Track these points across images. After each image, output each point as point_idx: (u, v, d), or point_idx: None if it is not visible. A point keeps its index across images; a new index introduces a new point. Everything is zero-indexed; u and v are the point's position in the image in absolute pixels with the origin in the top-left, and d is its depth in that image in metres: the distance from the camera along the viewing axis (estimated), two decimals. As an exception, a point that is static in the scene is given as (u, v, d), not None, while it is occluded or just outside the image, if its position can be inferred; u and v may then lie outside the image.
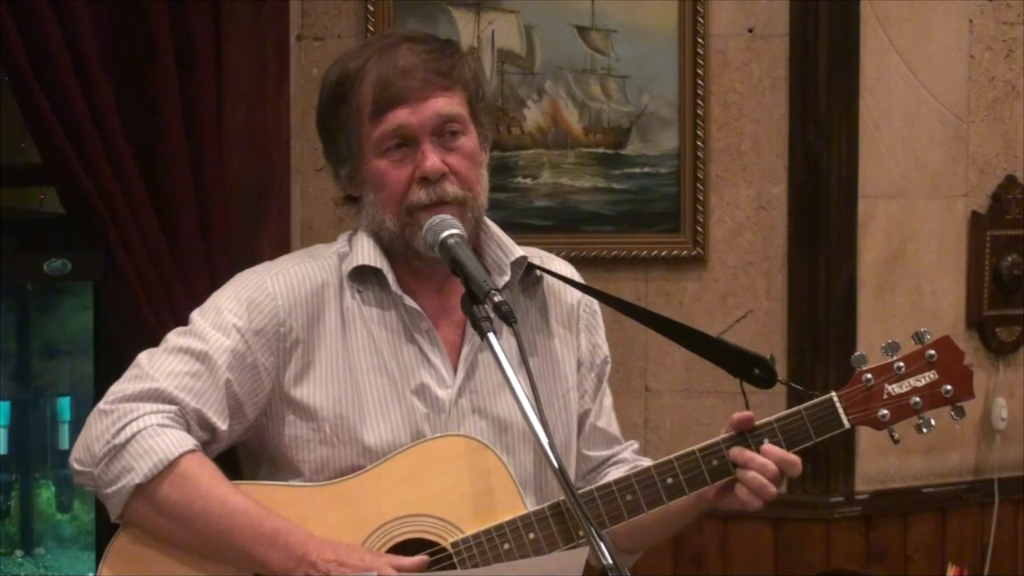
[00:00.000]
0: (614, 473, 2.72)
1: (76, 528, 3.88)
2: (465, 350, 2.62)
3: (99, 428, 2.49)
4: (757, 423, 2.57)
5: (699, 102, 4.11)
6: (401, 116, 2.55)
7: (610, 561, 2.23)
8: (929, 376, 2.60)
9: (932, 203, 4.23)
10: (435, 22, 4.10)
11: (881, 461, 4.19)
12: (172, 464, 2.47)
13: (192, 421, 2.51)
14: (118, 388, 2.53)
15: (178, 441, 2.48)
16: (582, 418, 2.76)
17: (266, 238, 4.00)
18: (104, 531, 2.90)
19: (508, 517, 2.52)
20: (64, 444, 3.78)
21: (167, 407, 2.50)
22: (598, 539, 2.24)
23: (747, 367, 2.65)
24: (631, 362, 4.16)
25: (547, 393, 2.63)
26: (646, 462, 2.67)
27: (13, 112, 3.72)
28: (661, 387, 4.18)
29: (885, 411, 2.59)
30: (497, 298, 2.37)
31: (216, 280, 2.67)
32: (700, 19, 4.09)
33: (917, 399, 2.59)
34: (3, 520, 3.86)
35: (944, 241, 4.25)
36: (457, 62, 2.60)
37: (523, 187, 4.16)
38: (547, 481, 2.63)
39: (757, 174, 4.15)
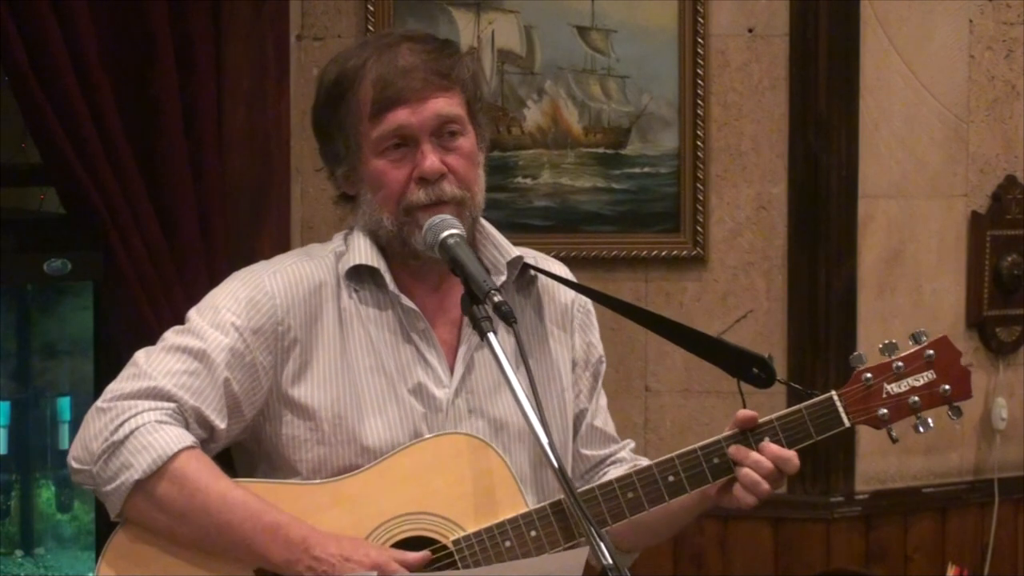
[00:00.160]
0: (613, 472, 2.71)
1: (76, 528, 3.88)
2: (462, 350, 2.62)
3: (97, 426, 2.49)
4: (759, 421, 2.57)
5: (699, 102, 4.11)
6: (401, 116, 2.55)
7: (610, 561, 2.23)
8: (927, 376, 2.60)
9: (932, 203, 4.23)
10: (435, 22, 4.10)
11: (881, 461, 4.19)
12: (171, 460, 2.46)
13: (190, 419, 2.51)
14: (116, 386, 2.52)
15: (176, 437, 2.48)
16: (578, 418, 2.76)
17: (266, 238, 4.00)
18: (104, 531, 2.90)
19: (509, 515, 2.52)
20: (64, 444, 3.78)
21: (165, 405, 2.50)
22: (598, 539, 2.25)
23: (745, 367, 2.66)
24: (631, 362, 4.16)
25: (543, 393, 2.63)
26: (644, 461, 2.67)
27: (13, 112, 3.72)
28: (661, 387, 4.18)
29: (884, 410, 2.59)
30: (497, 298, 2.37)
31: (216, 280, 2.67)
32: (700, 19, 4.09)
33: (916, 398, 2.59)
34: (3, 520, 3.86)
35: (944, 241, 4.25)
36: (456, 62, 2.61)
37: (523, 187, 4.16)
38: (544, 480, 2.63)
39: (757, 174, 4.15)
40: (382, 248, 2.61)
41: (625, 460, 2.78)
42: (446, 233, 2.50)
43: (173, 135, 3.74)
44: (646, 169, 4.15)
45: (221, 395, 2.52)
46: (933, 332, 2.64)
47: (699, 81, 4.10)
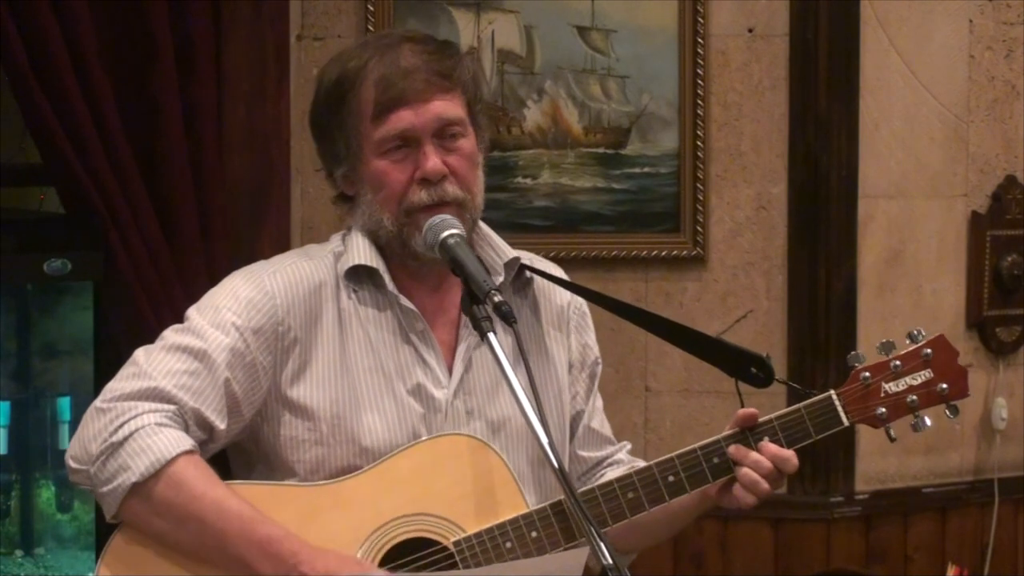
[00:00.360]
0: (611, 473, 2.72)
1: (76, 528, 3.88)
2: (460, 350, 2.62)
3: (96, 426, 2.48)
4: (758, 421, 2.58)
5: (699, 102, 4.11)
6: (404, 117, 2.55)
7: (610, 561, 2.23)
8: (925, 375, 2.61)
9: (932, 203, 4.24)
10: (435, 22, 4.10)
11: (881, 461, 4.19)
12: (168, 464, 2.45)
13: (190, 420, 2.51)
14: (115, 386, 2.51)
15: (175, 441, 2.47)
16: (575, 419, 2.76)
17: (266, 238, 4.00)
18: (104, 531, 2.90)
19: (510, 516, 2.52)
20: (64, 444, 3.78)
21: (165, 406, 2.49)
22: (598, 539, 2.25)
23: (744, 367, 2.66)
24: (631, 362, 4.16)
25: (542, 393, 2.62)
26: (641, 463, 2.67)
27: (13, 112, 3.72)
28: (661, 387, 4.18)
29: (883, 409, 2.59)
30: (497, 298, 2.38)
31: (216, 280, 2.66)
32: (700, 19, 4.09)
33: (913, 397, 2.60)
34: (3, 520, 3.86)
35: (944, 241, 4.25)
36: (457, 63, 2.61)
37: (523, 187, 4.16)
38: (543, 481, 2.63)
39: (757, 174, 4.15)
40: (381, 249, 2.61)
41: (622, 462, 2.78)
42: (446, 233, 2.50)
43: (173, 135, 3.74)
44: (646, 169, 4.15)
45: (221, 395, 2.52)
46: (933, 332, 2.64)
47: (699, 81, 4.11)
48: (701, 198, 4.13)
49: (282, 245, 3.97)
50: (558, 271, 2.76)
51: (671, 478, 2.56)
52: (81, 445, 2.49)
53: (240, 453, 2.64)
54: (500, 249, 2.67)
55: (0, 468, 3.82)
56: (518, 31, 4.14)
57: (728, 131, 4.14)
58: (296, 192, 4.15)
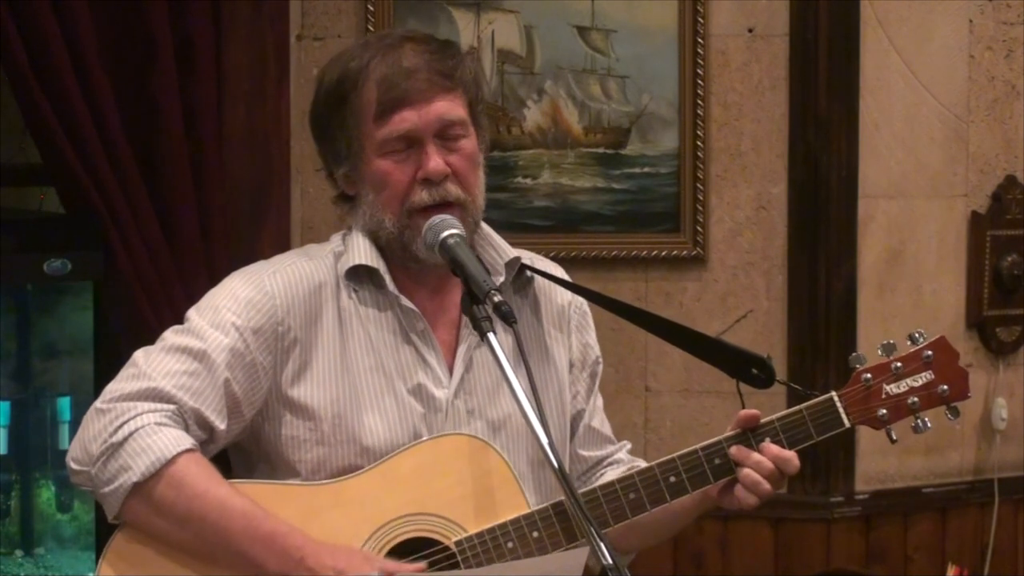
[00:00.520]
0: (611, 473, 2.72)
1: (76, 528, 3.88)
2: (461, 350, 2.62)
3: (96, 427, 2.48)
4: (760, 421, 2.58)
5: (699, 102, 4.11)
6: (407, 117, 2.55)
7: (610, 561, 2.23)
8: (926, 376, 2.61)
9: (932, 203, 4.24)
10: (435, 22, 4.10)
11: (881, 461, 4.19)
12: (169, 463, 2.45)
13: (190, 421, 2.51)
14: (115, 387, 2.51)
15: (176, 440, 2.47)
16: (575, 419, 2.76)
17: (266, 238, 3.99)
18: (104, 531, 2.90)
19: (511, 516, 2.52)
20: (64, 444, 3.78)
21: (165, 406, 2.49)
22: (598, 539, 2.25)
23: (744, 367, 2.66)
24: (631, 362, 4.16)
25: (542, 393, 2.62)
26: (641, 463, 2.67)
27: (13, 112, 3.72)
28: (661, 387, 4.18)
29: (884, 411, 2.59)
30: (497, 298, 2.38)
31: (216, 280, 2.66)
32: (700, 19, 4.09)
33: (914, 399, 2.60)
34: (3, 520, 3.86)
35: (944, 241, 4.25)
36: (459, 63, 2.61)
37: (523, 187, 4.16)
38: (543, 481, 2.63)
39: (757, 174, 4.15)
40: (381, 249, 2.61)
41: (622, 461, 2.78)
42: (446, 233, 2.50)
43: (173, 135, 3.74)
44: (646, 169, 4.15)
45: (221, 396, 2.52)
46: (933, 332, 2.65)
47: (699, 81, 4.11)
48: (701, 198, 4.13)
49: (282, 245, 3.97)
50: (559, 271, 2.76)
51: (673, 478, 2.56)
52: (81, 446, 2.49)
53: (241, 453, 2.64)
54: (501, 249, 2.67)
55: (0, 468, 3.82)
56: (518, 31, 4.14)
57: (728, 131, 4.14)
58: (296, 192, 4.15)
